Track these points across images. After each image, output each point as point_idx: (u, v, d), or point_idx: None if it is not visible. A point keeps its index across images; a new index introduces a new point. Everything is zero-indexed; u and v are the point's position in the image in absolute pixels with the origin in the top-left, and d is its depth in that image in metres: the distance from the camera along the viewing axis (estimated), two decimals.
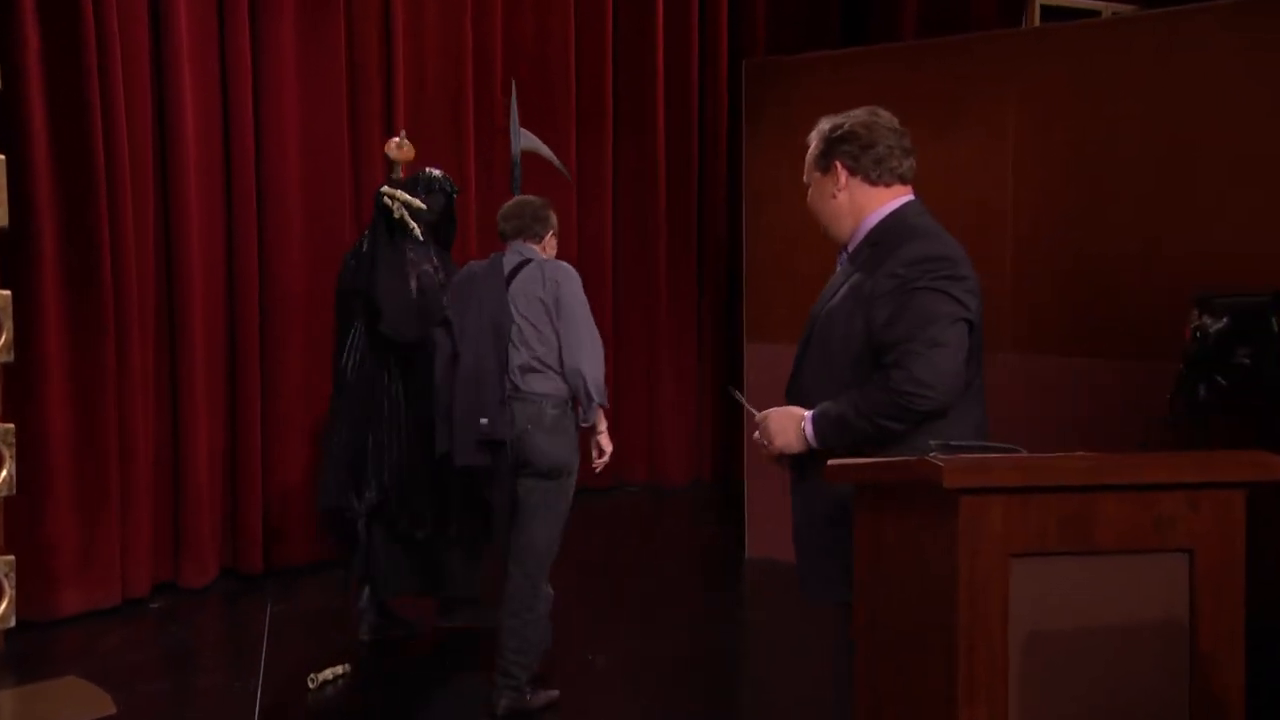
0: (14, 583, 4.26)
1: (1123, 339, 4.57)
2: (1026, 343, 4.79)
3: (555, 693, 3.92)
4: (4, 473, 4.23)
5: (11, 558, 4.27)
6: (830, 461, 2.49)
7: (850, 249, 2.69)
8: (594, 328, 3.80)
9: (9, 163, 4.34)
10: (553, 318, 3.74)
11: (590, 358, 3.73)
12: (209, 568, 5.23)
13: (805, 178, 2.77)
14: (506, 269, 3.85)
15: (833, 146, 2.68)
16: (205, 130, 5.20)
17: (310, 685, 4.00)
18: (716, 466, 7.29)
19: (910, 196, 2.67)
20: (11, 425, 4.25)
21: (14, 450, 4.24)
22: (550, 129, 6.67)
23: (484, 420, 3.69)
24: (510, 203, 4.00)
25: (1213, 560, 2.13)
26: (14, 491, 4.27)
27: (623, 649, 4.49)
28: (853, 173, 2.65)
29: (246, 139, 5.31)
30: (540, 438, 3.72)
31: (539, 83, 6.60)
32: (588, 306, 3.80)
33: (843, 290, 2.63)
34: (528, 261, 3.85)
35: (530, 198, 4.02)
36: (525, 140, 5.05)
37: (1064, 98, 4.74)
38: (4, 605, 4.25)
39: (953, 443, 2.33)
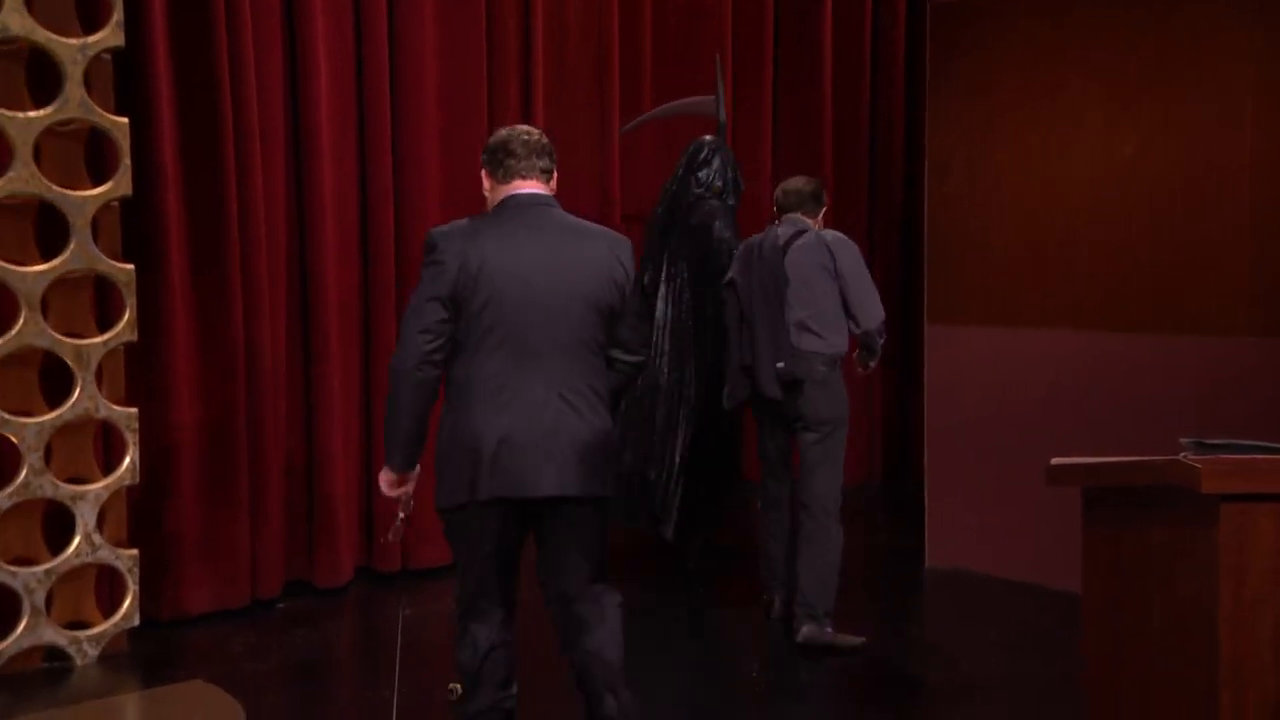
0: (137, 579, 4.37)
1: None
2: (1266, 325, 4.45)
3: (861, 639, 4.40)
4: (127, 460, 4.33)
5: (135, 552, 4.37)
6: (1054, 461, 2.29)
7: None
8: (874, 286, 4.48)
9: (134, 127, 4.42)
10: (828, 281, 4.38)
11: (878, 311, 4.42)
12: (344, 567, 5.26)
13: None
14: (782, 239, 4.50)
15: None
16: (339, 92, 5.21)
17: (450, 697, 3.97)
18: (890, 465, 7.06)
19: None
20: (134, 410, 4.35)
21: (137, 437, 4.33)
22: (697, 84, 6.56)
23: (780, 364, 4.41)
24: (792, 181, 4.70)
25: None
26: (137, 480, 4.36)
27: (784, 663, 4.35)
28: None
29: (382, 103, 5.30)
30: (814, 391, 4.38)
31: (687, 31, 6.50)
32: (867, 269, 4.48)
33: None
34: (803, 232, 4.51)
35: (809, 179, 4.71)
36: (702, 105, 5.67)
37: None
38: (128, 602, 4.36)
39: (1208, 441, 2.10)
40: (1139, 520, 2.12)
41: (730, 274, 4.69)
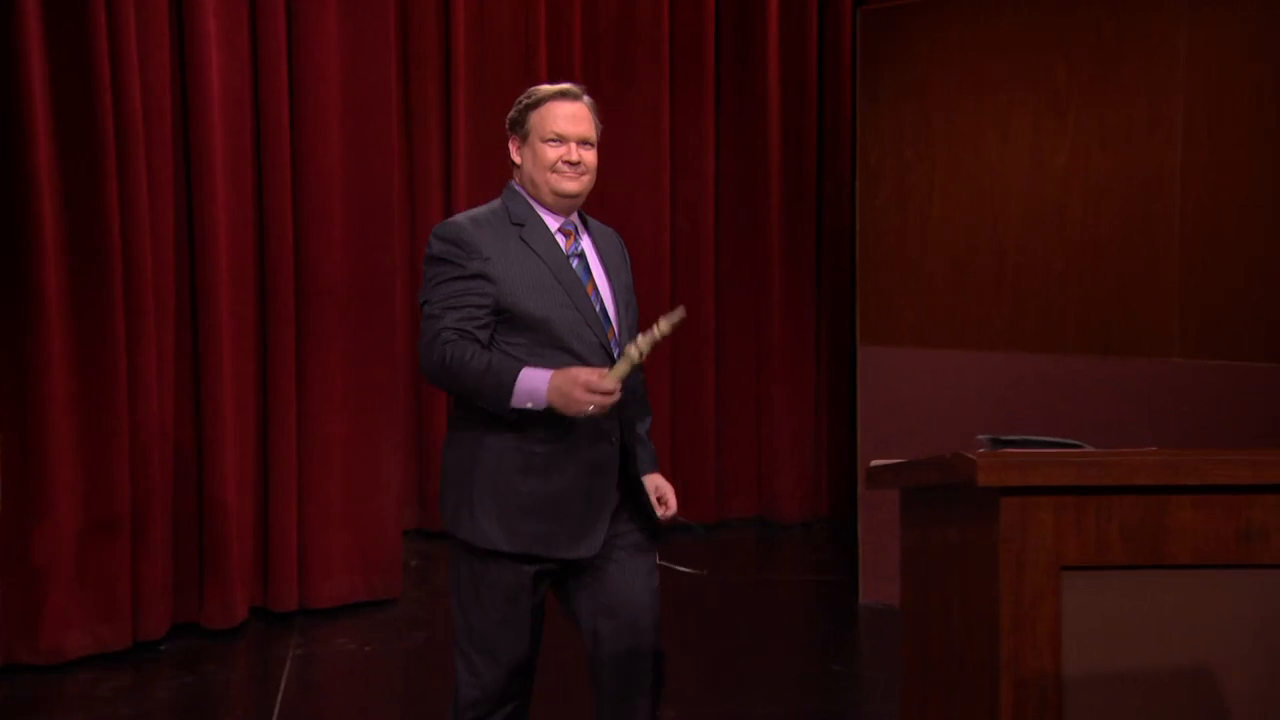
0: None
1: None
2: (1195, 345, 4.71)
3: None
4: None
5: None
6: (872, 464, 2.52)
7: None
8: None
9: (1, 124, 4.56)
10: None
11: None
12: (236, 607, 5.42)
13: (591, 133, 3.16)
14: None
15: None
16: (233, 98, 5.39)
17: None
18: (839, 500, 7.28)
19: None
20: None
21: (1, 460, 4.52)
22: (635, 90, 6.82)
23: None
24: None
25: None
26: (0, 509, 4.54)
27: (711, 711, 4.56)
28: None
29: (281, 97, 5.47)
30: None
31: (621, 31, 6.79)
32: None
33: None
34: None
35: None
36: None
37: (1243, 45, 4.65)
38: None
39: (1003, 437, 2.34)
40: (940, 519, 2.34)
41: None
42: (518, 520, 3.02)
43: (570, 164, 3.10)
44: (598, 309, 3.08)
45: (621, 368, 2.82)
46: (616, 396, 2.82)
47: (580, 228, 3.22)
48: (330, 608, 5.65)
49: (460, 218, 3.11)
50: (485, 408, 2.96)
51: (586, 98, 3.20)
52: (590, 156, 3.15)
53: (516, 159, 3.17)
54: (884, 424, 5.55)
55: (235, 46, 5.40)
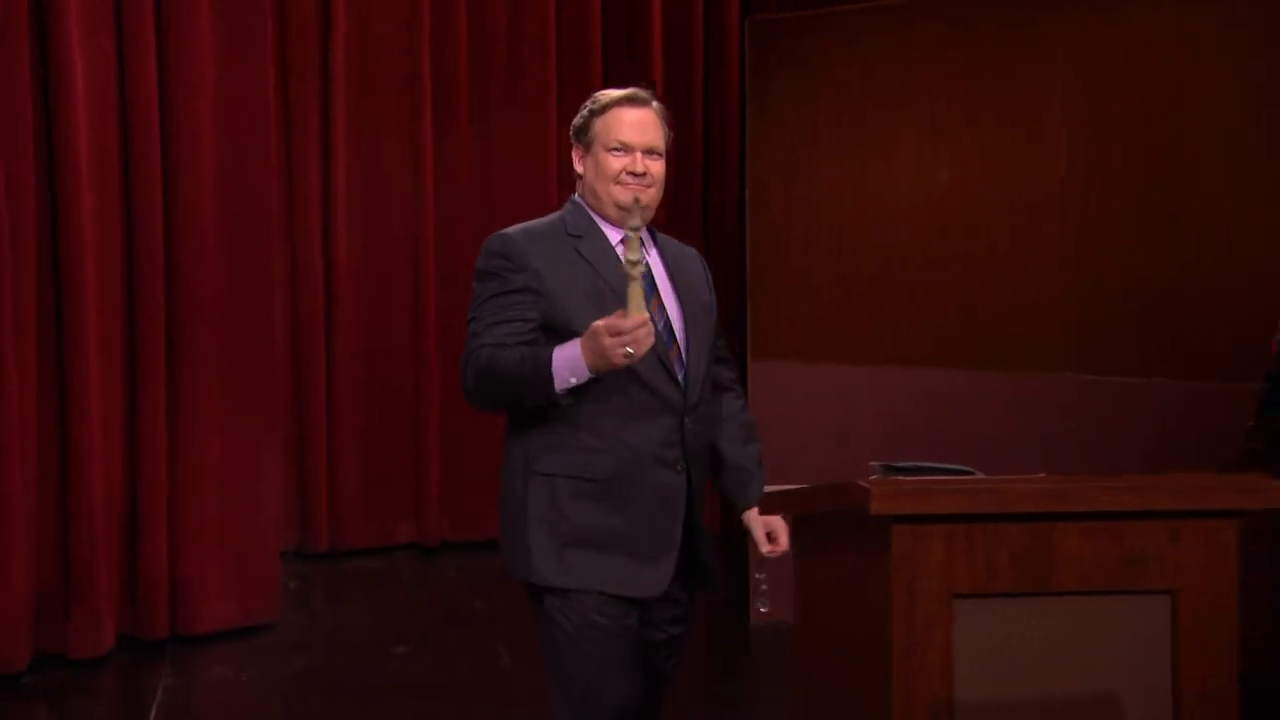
0: None
1: (1196, 355, 4.57)
2: (1080, 360, 4.83)
3: None
4: None
5: None
6: (767, 489, 2.54)
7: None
8: None
9: None
10: None
11: None
12: (103, 636, 5.28)
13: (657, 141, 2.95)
14: None
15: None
16: (99, 106, 5.30)
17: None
18: (730, 515, 7.31)
19: None
20: None
21: None
22: (523, 104, 6.83)
23: None
24: None
25: (1200, 604, 2.15)
26: None
27: None
28: None
29: (150, 103, 5.37)
30: None
31: (508, 36, 6.80)
32: None
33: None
34: None
35: None
36: None
37: (1120, 64, 4.79)
38: None
39: (896, 464, 2.36)
40: (833, 546, 2.36)
41: None
42: (573, 554, 2.78)
43: (635, 175, 2.87)
44: (660, 326, 2.83)
45: (634, 293, 2.57)
46: (649, 328, 2.57)
47: (647, 242, 2.97)
48: (204, 634, 5.53)
49: (512, 229, 2.92)
50: (533, 402, 2.74)
51: (656, 103, 2.97)
52: (657, 167, 2.91)
53: (579, 169, 2.95)
54: (774, 438, 5.53)
55: (101, 48, 5.27)
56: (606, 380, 2.71)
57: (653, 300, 2.88)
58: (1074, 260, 4.88)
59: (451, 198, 6.93)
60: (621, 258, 2.70)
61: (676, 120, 7.83)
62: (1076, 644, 2.15)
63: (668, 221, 7.09)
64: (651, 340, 2.58)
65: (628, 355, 2.56)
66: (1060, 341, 4.91)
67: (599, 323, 2.59)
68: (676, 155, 7.01)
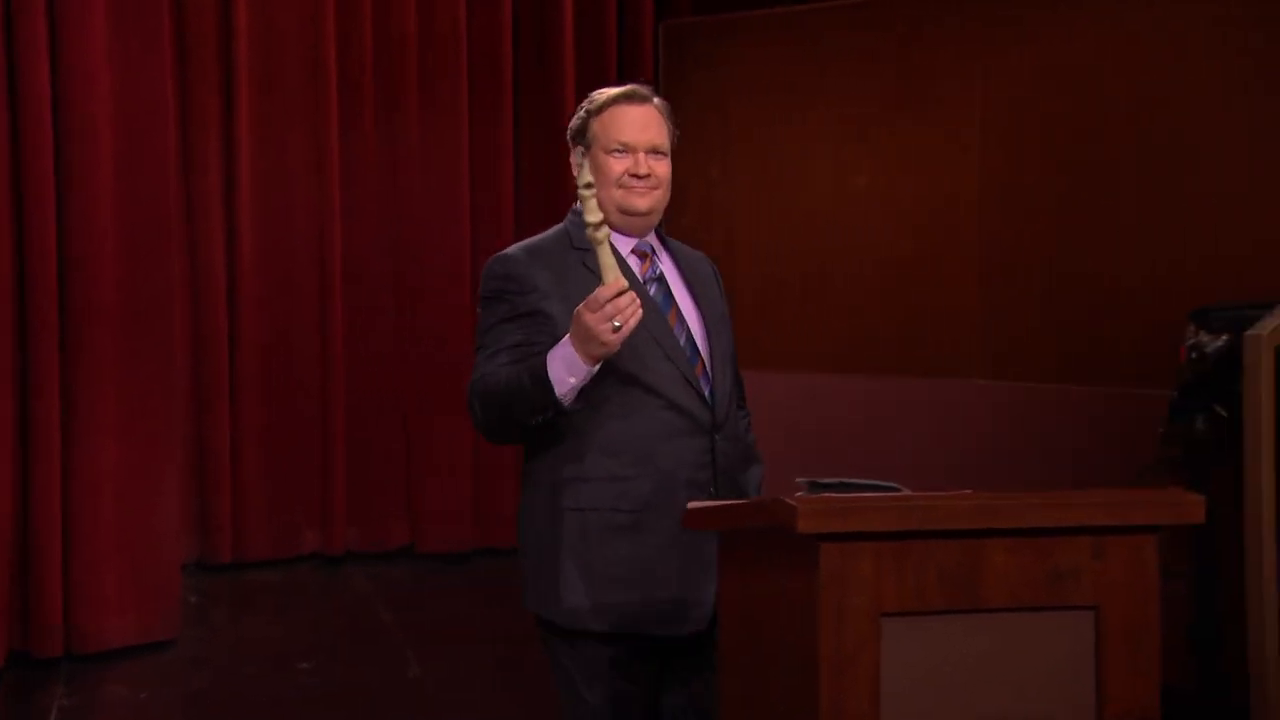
0: None
1: (1110, 361, 4.66)
2: (995, 367, 4.91)
3: None
4: None
5: None
6: (690, 505, 2.53)
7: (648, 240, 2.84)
8: None
9: None
10: None
11: None
12: None
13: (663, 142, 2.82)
14: None
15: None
16: None
17: None
18: None
19: None
20: None
21: None
22: (431, 106, 6.78)
23: None
24: None
25: (1122, 618, 2.18)
26: None
27: None
28: None
29: (43, 106, 5.28)
30: None
31: (416, 40, 6.74)
32: None
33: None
34: None
35: None
36: None
37: (1038, 74, 4.87)
38: None
39: (822, 480, 2.38)
40: (759, 563, 2.36)
41: None
42: (606, 592, 2.66)
43: (638, 177, 2.72)
44: (682, 340, 2.74)
45: (604, 257, 2.43)
46: (631, 295, 2.43)
47: (658, 249, 2.86)
48: (100, 652, 5.41)
49: (514, 249, 2.77)
50: (537, 417, 2.57)
51: (657, 99, 2.81)
52: (662, 167, 2.75)
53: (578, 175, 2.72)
54: None
55: None
56: (630, 402, 2.63)
57: (670, 311, 2.77)
58: (987, 268, 4.96)
59: (358, 197, 6.87)
60: (638, 274, 2.68)
61: None
62: (1006, 661, 2.17)
63: None
64: (640, 313, 2.46)
65: (615, 329, 2.43)
66: (977, 348, 4.98)
67: (577, 309, 2.47)
68: None
